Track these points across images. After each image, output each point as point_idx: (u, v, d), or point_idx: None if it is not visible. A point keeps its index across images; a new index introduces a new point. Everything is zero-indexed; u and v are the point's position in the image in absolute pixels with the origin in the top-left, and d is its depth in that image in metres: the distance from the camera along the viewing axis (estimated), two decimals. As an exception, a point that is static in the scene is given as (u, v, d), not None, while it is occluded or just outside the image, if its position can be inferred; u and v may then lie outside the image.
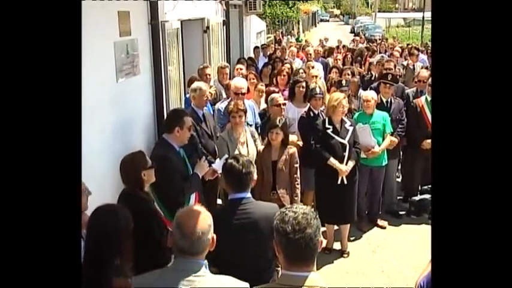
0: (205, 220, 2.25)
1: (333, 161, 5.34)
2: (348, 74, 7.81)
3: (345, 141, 5.39)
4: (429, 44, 17.95)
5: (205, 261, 2.26)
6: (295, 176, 4.98)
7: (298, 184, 5.01)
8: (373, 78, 8.69)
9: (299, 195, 5.03)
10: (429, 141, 6.37)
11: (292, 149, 5.03)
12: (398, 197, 7.03)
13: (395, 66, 8.72)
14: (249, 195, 3.21)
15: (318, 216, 2.09)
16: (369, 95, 6.17)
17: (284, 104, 5.76)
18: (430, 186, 2.53)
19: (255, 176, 3.29)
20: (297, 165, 5.01)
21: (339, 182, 5.36)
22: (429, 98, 6.47)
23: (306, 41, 15.46)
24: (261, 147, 5.09)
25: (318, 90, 5.95)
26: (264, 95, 6.46)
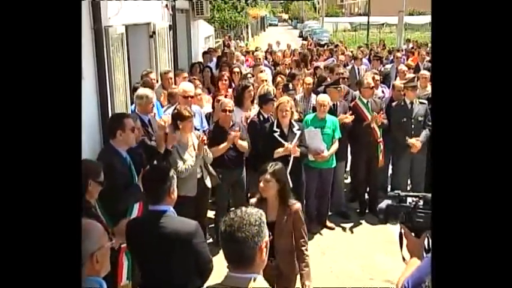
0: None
1: None
2: (300, 79, 7.88)
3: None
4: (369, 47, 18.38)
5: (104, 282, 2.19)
6: (301, 240, 3.77)
7: (306, 250, 3.78)
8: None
9: (309, 264, 3.79)
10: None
11: (297, 205, 3.79)
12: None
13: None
14: (168, 207, 3.12)
15: (262, 219, 2.08)
16: (325, 99, 6.14)
17: (232, 111, 5.74)
18: (396, 191, 2.47)
19: (175, 189, 3.19)
20: (304, 226, 3.82)
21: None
22: (364, 100, 6.63)
23: (256, 48, 15.44)
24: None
25: (271, 94, 6.01)
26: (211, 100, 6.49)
